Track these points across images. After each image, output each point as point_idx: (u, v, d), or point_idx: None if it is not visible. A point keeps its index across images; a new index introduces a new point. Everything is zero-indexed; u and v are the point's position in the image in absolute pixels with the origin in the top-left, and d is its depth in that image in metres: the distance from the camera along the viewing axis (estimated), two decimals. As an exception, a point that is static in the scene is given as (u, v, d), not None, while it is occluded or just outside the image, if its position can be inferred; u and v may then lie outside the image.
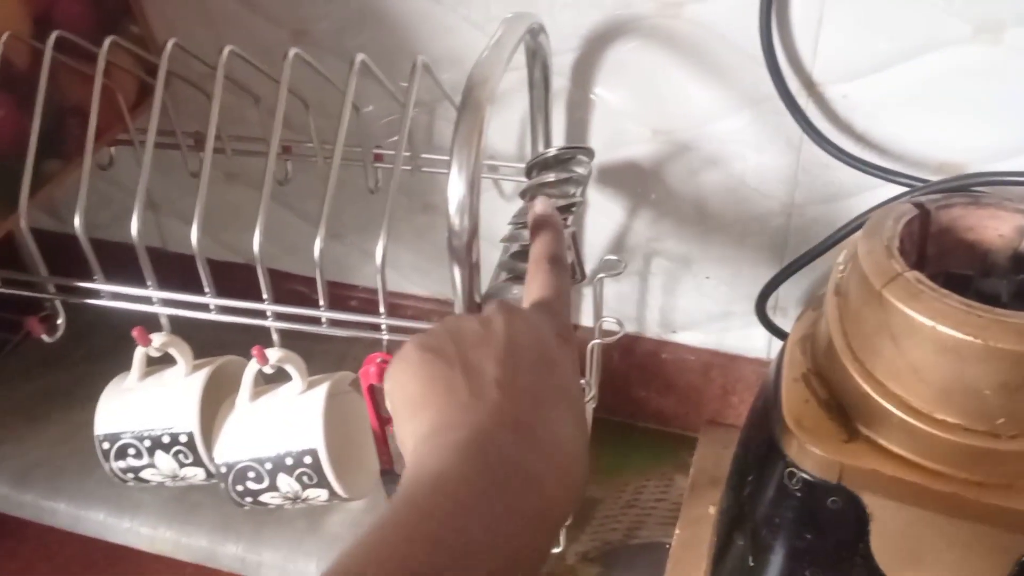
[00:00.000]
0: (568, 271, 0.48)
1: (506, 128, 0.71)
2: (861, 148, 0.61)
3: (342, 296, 0.88)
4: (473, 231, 0.48)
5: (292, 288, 0.87)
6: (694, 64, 0.62)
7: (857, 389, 0.48)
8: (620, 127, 0.67)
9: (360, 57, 0.55)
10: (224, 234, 0.88)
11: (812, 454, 0.48)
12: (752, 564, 0.55)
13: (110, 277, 0.59)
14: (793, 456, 0.50)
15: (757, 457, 0.56)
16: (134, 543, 0.66)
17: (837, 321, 0.50)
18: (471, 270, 0.49)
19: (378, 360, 0.55)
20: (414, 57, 0.57)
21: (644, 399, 0.82)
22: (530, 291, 0.45)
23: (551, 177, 0.57)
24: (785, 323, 0.71)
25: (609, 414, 0.82)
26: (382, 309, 0.54)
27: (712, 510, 0.73)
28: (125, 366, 0.78)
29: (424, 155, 0.69)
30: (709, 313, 0.75)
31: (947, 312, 0.43)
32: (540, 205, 0.50)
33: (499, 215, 0.76)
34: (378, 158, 0.71)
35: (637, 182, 0.69)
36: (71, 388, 0.77)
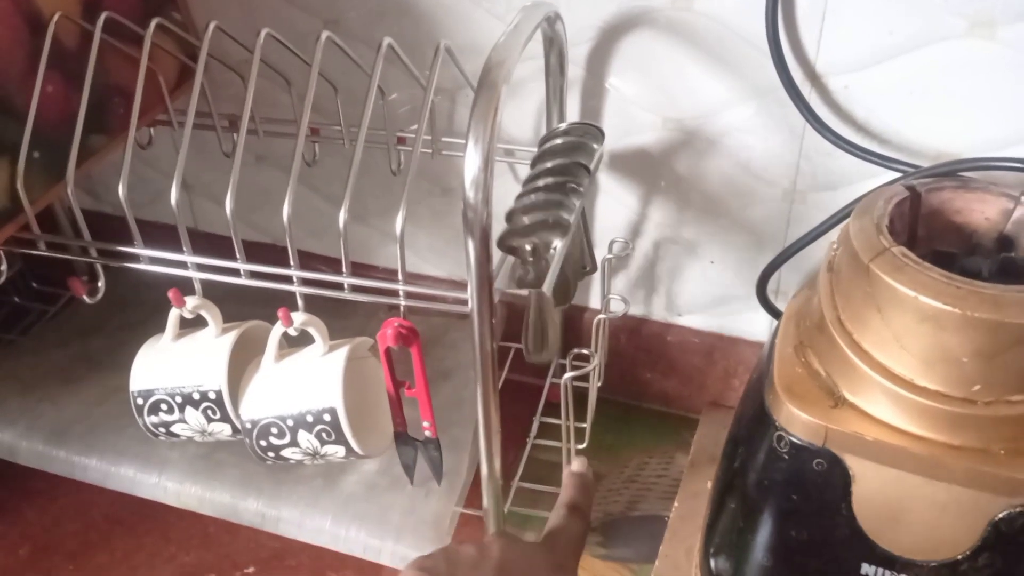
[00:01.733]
0: (586, 523, 0.55)
1: (522, 115, 0.74)
2: (861, 137, 0.64)
3: (363, 275, 0.91)
4: (486, 204, 0.51)
5: (316, 267, 0.90)
6: (703, 55, 0.66)
7: (844, 358, 0.51)
8: (632, 115, 0.70)
9: (387, 40, 0.59)
10: (254, 215, 0.92)
11: (800, 419, 0.51)
12: (742, 525, 0.58)
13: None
14: (783, 422, 0.53)
15: (750, 426, 0.59)
16: (161, 498, 0.70)
17: (829, 296, 0.53)
18: (485, 244, 0.52)
19: (395, 324, 0.59)
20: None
21: (649, 380, 0.85)
22: (546, 528, 0.53)
23: (549, 163, 0.60)
24: (785, 306, 0.74)
25: (614, 394, 0.86)
26: (400, 276, 0.58)
27: (709, 484, 0.75)
28: (158, 334, 0.83)
29: (444, 139, 0.73)
30: (713, 297, 0.78)
31: (928, 284, 0.46)
32: (577, 464, 0.60)
33: (512, 200, 0.80)
34: (401, 141, 0.75)
35: (647, 168, 0.73)
36: (107, 355, 0.82)
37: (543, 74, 0.67)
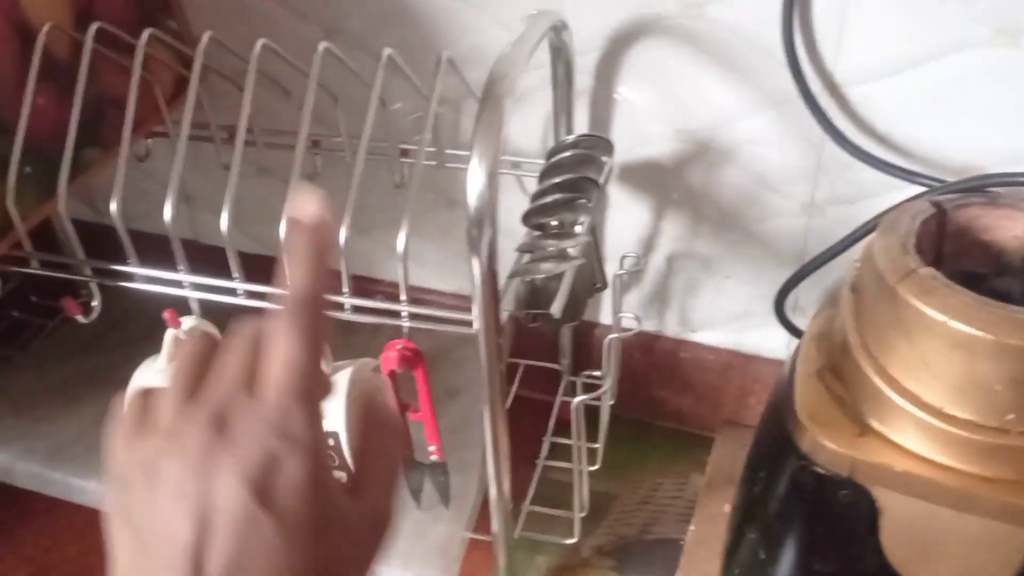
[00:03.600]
0: (324, 324, 0.31)
1: (528, 126, 0.72)
2: (883, 149, 0.62)
3: (367, 290, 0.89)
4: (491, 221, 0.49)
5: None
6: (717, 64, 0.63)
7: (870, 384, 0.48)
8: (642, 126, 0.68)
9: (387, 51, 0.57)
10: (255, 227, 0.90)
11: (825, 448, 0.49)
12: (763, 557, 0.55)
13: (144, 265, 0.61)
14: (806, 450, 0.50)
15: (770, 452, 0.56)
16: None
17: (852, 317, 0.51)
18: (491, 262, 0.50)
19: (398, 347, 0.57)
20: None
21: (662, 398, 0.83)
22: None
23: (557, 179, 0.58)
24: (804, 323, 0.72)
25: (627, 412, 0.83)
26: (403, 296, 0.56)
27: (727, 508, 0.73)
28: (158, 351, 0.81)
29: (449, 151, 0.71)
30: (728, 313, 0.76)
31: (960, 308, 0.44)
32: (308, 206, 0.33)
33: (520, 212, 0.77)
34: (404, 153, 0.73)
35: (659, 181, 0.70)
36: (106, 372, 0.80)
37: (550, 83, 0.65)
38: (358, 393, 0.59)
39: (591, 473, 0.73)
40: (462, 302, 0.89)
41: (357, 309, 0.57)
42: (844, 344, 0.51)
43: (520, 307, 0.55)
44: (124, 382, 0.78)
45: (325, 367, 0.59)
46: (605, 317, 0.81)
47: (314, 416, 0.30)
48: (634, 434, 0.83)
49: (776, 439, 0.55)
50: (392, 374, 0.58)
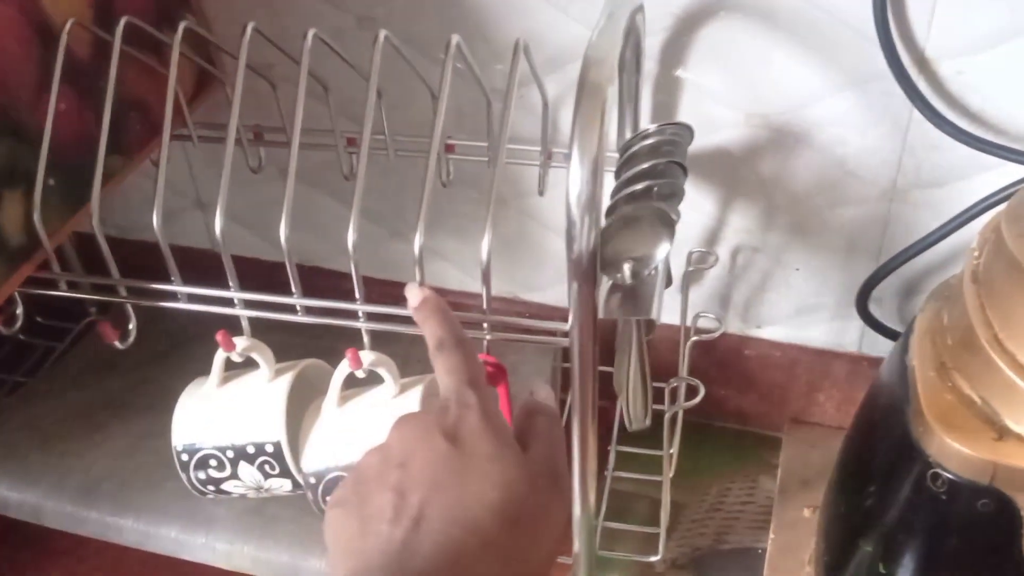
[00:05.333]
0: (465, 347, 0.42)
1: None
2: (976, 127, 0.58)
3: (401, 296, 0.85)
4: (595, 224, 0.44)
5: (348, 287, 0.83)
6: (795, 42, 0.59)
7: (1006, 382, 0.44)
8: (710, 112, 0.64)
9: (456, 39, 0.52)
10: (274, 232, 0.84)
11: (959, 453, 0.45)
12: (884, 571, 0.52)
13: (157, 278, 0.56)
14: (936, 456, 0.46)
15: (885, 457, 0.52)
16: (209, 560, 0.62)
17: (979, 310, 0.47)
18: (592, 269, 0.46)
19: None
20: (501, 39, 0.54)
21: (723, 397, 0.79)
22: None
23: (646, 165, 0.53)
24: (881, 316, 0.68)
25: (684, 413, 0.79)
26: (486, 307, 0.51)
27: (807, 513, 0.69)
28: (177, 372, 0.75)
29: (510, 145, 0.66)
30: (797, 307, 0.72)
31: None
32: (412, 294, 0.48)
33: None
34: (450, 149, 0.68)
35: (726, 170, 0.66)
36: (126, 397, 0.74)
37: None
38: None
39: (659, 483, 0.69)
40: (506, 304, 0.85)
41: (431, 322, 0.52)
42: (968, 340, 0.47)
43: (615, 312, 0.50)
44: (148, 407, 0.73)
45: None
46: (672, 316, 0.76)
47: (480, 390, 0.39)
48: (694, 436, 0.78)
49: (892, 444, 0.51)
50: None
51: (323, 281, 0.81)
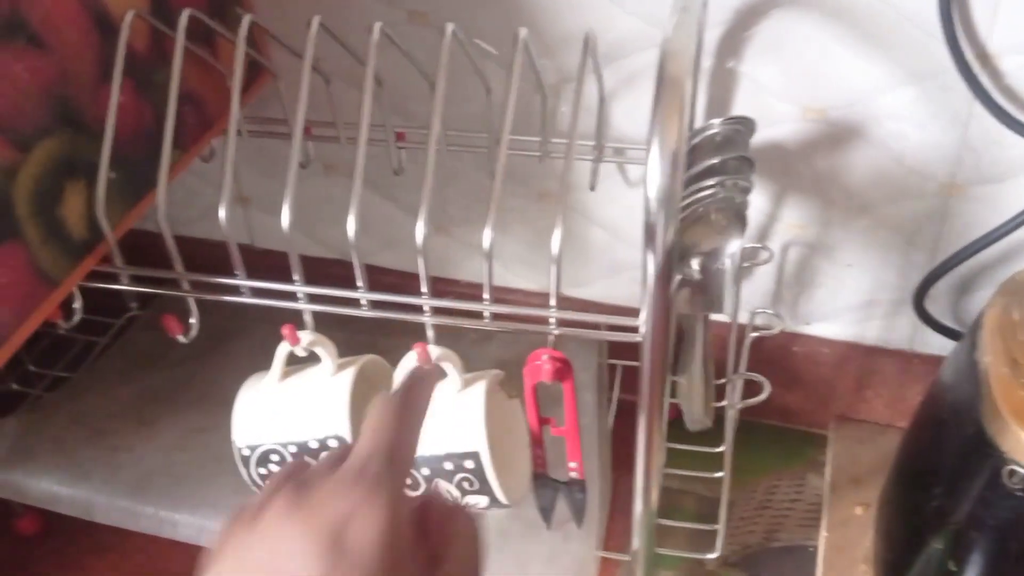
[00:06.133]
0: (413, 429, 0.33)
1: (635, 109, 0.67)
2: (1039, 123, 0.57)
3: (442, 292, 0.84)
4: (674, 219, 0.44)
5: (390, 281, 0.83)
6: (855, 36, 0.58)
7: (1087, 378, 0.44)
8: (766, 106, 0.63)
9: (524, 32, 0.51)
10: (316, 228, 0.84)
11: (1040, 451, 0.45)
12: (953, 568, 0.51)
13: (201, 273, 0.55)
14: (1010, 452, 0.46)
15: (955, 455, 0.52)
16: (264, 555, 0.62)
17: (1054, 306, 0.47)
18: (668, 264, 0.45)
19: (545, 357, 0.52)
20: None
21: (769, 395, 0.78)
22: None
23: (715, 159, 0.53)
24: (936, 312, 0.68)
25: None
26: (554, 301, 0.51)
27: (860, 511, 0.69)
28: (221, 367, 0.75)
29: (554, 140, 0.66)
30: (848, 303, 0.71)
31: None
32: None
33: (621, 203, 0.72)
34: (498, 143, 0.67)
35: (781, 165, 0.66)
36: (172, 392, 0.74)
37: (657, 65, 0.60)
38: (493, 407, 0.54)
39: (707, 480, 0.69)
40: (546, 301, 0.85)
41: (497, 316, 0.52)
42: (1043, 335, 0.47)
43: (685, 308, 0.50)
44: (196, 402, 0.73)
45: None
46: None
47: (394, 475, 0.31)
48: (738, 434, 0.78)
49: (962, 441, 0.51)
50: (534, 387, 0.53)
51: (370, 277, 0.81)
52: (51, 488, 0.65)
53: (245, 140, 0.69)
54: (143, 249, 0.57)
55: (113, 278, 0.56)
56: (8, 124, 0.48)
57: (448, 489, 0.53)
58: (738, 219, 0.48)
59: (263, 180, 0.84)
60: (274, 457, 0.55)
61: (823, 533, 0.67)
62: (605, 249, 0.76)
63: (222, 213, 0.52)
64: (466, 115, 0.66)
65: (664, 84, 0.44)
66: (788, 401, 0.78)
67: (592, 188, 0.67)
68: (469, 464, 0.52)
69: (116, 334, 0.84)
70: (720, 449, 0.68)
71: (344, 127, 0.68)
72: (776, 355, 0.75)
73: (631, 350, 0.77)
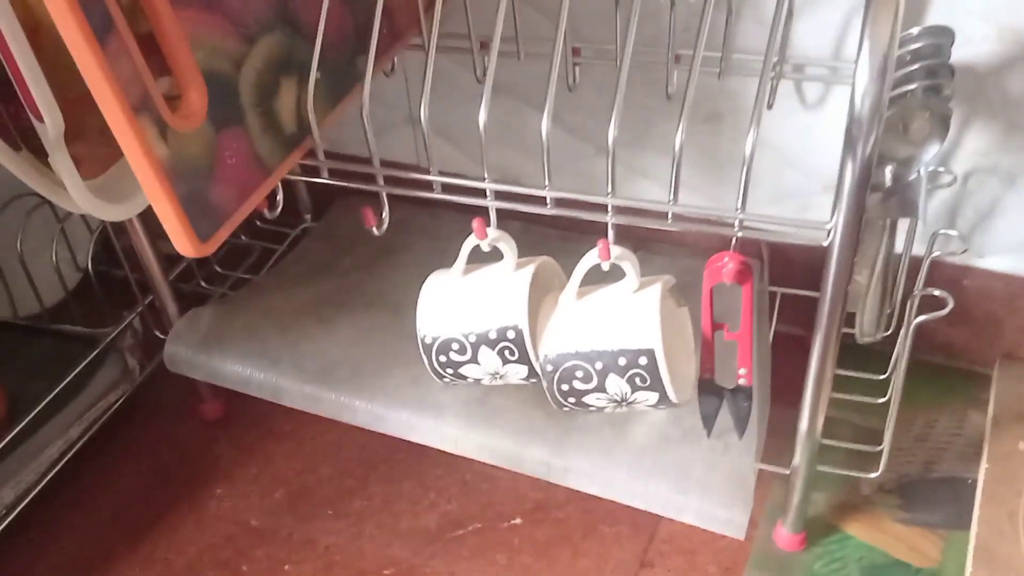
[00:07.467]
0: None
1: (819, 28, 0.66)
2: None
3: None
4: (879, 121, 0.44)
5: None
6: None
7: None
8: (960, 24, 0.61)
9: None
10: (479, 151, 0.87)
11: None
12: None
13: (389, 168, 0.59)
14: None
15: None
16: (436, 443, 0.66)
17: None
18: (867, 166, 0.45)
19: (727, 259, 0.53)
20: None
21: (932, 329, 0.76)
22: None
23: (916, 65, 0.52)
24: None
25: (887, 344, 0.77)
26: (739, 204, 0.52)
27: (1023, 446, 0.68)
28: (387, 277, 0.80)
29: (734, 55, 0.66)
30: (1028, 236, 0.69)
31: None
32: None
33: (794, 126, 0.72)
34: (677, 60, 0.68)
35: (969, 88, 0.64)
36: (345, 296, 0.78)
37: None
38: (666, 310, 0.56)
39: (861, 409, 0.69)
40: (714, 224, 0.85)
41: (679, 218, 0.53)
42: None
43: (879, 213, 0.50)
44: (371, 305, 0.77)
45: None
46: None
47: None
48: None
49: None
50: (711, 290, 0.54)
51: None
52: (244, 371, 0.71)
53: (420, 60, 0.72)
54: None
55: (313, 171, 0.60)
56: (239, 19, 0.52)
57: (619, 385, 0.55)
58: (943, 124, 0.47)
59: (434, 101, 0.86)
60: (455, 346, 0.58)
61: (984, 465, 0.67)
62: (771, 174, 0.76)
63: (423, 112, 0.55)
64: (639, 36, 0.67)
65: (878, -16, 0.44)
66: (953, 337, 0.76)
67: (769, 107, 0.67)
68: (643, 360, 0.54)
69: (291, 243, 0.90)
70: (883, 376, 0.68)
71: (524, 43, 0.70)
72: (944, 288, 0.74)
73: (792, 278, 0.77)
